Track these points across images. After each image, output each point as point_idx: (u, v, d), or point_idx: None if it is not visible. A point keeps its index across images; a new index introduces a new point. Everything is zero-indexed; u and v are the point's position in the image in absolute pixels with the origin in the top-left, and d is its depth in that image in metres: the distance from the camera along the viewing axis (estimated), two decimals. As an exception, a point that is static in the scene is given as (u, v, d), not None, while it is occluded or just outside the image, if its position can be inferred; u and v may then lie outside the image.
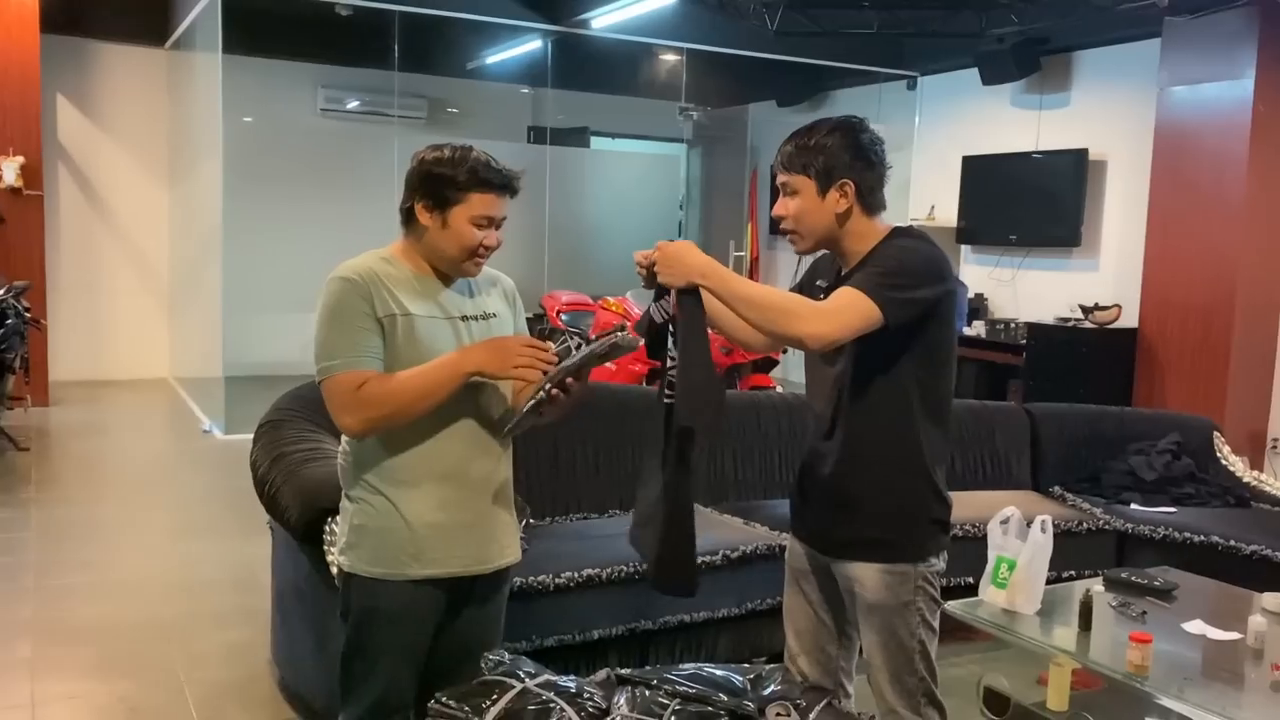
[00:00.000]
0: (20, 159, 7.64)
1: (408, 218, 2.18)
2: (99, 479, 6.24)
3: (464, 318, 2.20)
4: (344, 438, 2.21)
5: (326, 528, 2.77)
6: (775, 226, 2.26)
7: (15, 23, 7.57)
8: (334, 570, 2.65)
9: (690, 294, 2.07)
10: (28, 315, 6.63)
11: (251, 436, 3.44)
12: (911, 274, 2.08)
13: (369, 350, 2.09)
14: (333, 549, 2.72)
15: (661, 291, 2.13)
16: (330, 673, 2.83)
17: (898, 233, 2.21)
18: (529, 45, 9.16)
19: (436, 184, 2.12)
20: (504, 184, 2.15)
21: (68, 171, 8.95)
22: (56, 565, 4.58)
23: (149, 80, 9.18)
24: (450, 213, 2.13)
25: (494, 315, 2.26)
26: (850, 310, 2.02)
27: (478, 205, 2.13)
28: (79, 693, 3.39)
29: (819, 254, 2.36)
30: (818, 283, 2.31)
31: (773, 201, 2.26)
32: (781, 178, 2.19)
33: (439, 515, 2.16)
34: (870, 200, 2.18)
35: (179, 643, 3.77)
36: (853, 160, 2.14)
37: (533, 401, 2.08)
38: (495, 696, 2.02)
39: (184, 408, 8.25)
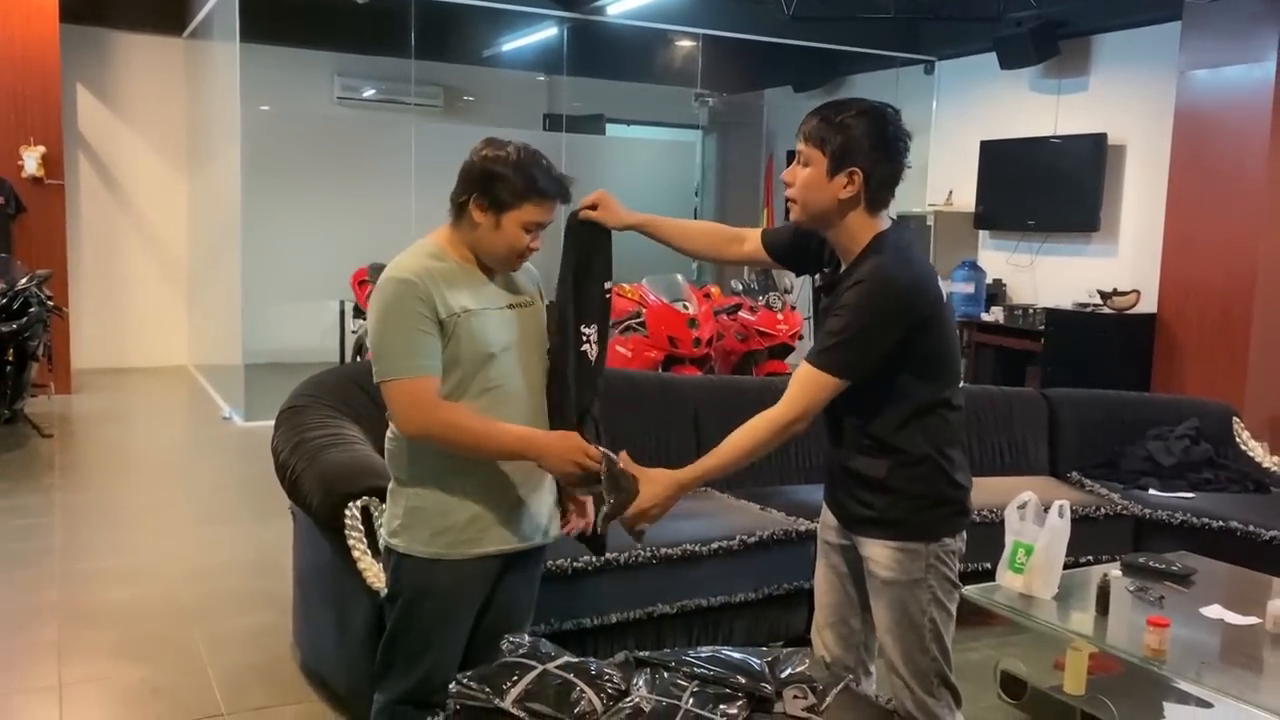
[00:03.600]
0: (41, 149, 7.69)
1: (460, 210, 2.20)
2: (121, 465, 6.31)
3: (511, 306, 2.27)
4: (395, 434, 2.26)
5: (348, 512, 2.80)
6: (790, 211, 2.27)
7: (35, 13, 7.61)
8: (356, 554, 2.69)
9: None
10: (50, 303, 6.69)
11: (271, 423, 3.48)
12: (870, 326, 2.09)
13: (428, 353, 2.13)
14: (354, 534, 2.75)
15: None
16: (351, 655, 2.88)
17: (878, 245, 2.15)
18: (545, 32, 9.16)
19: (496, 186, 2.15)
20: (560, 192, 2.21)
21: (87, 161, 9.01)
22: (81, 550, 4.64)
23: (167, 69, 9.22)
24: (505, 216, 2.16)
25: (532, 302, 2.34)
26: (815, 395, 2.13)
27: (532, 213, 2.18)
28: (105, 674, 3.44)
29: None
30: (822, 271, 2.31)
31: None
32: (799, 145, 2.18)
33: (491, 496, 2.24)
34: (877, 195, 2.15)
35: (202, 626, 3.82)
36: (871, 149, 2.11)
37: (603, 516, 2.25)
38: (516, 678, 2.04)
39: (204, 395, 8.32)
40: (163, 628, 3.81)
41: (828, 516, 2.42)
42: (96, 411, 7.63)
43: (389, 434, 2.29)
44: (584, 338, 2.34)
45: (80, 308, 8.45)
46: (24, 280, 6.37)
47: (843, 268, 2.23)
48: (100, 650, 3.61)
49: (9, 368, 6.24)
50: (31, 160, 7.64)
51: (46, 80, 7.73)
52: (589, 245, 2.38)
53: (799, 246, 2.39)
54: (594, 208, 2.37)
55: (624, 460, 2.19)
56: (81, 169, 8.93)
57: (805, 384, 2.14)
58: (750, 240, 2.48)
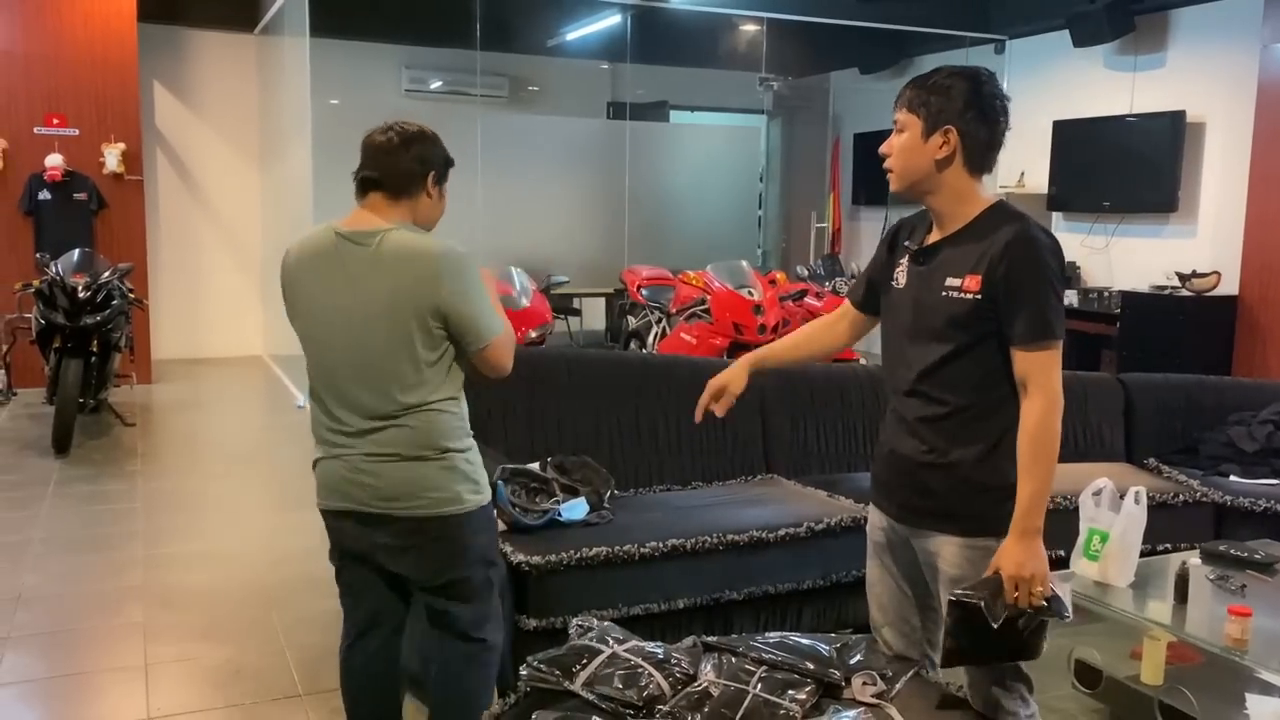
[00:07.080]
0: (121, 145, 7.93)
1: (414, 192, 2.34)
2: (201, 452, 6.48)
3: None
4: (449, 401, 2.37)
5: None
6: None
7: (114, 15, 7.83)
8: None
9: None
10: (131, 296, 6.88)
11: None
12: (1056, 281, 2.15)
13: None
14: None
15: None
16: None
17: (1004, 211, 2.15)
18: (608, 20, 9.16)
19: (442, 161, 2.37)
20: None
21: (165, 156, 9.25)
22: (164, 534, 4.79)
23: (240, 65, 9.43)
24: (444, 185, 2.41)
25: None
26: (1057, 366, 2.16)
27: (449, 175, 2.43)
28: (188, 655, 3.56)
29: (908, 216, 2.33)
30: (905, 243, 2.27)
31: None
32: (896, 115, 2.18)
33: None
34: (974, 155, 2.13)
35: (280, 609, 3.92)
36: (964, 109, 2.10)
37: None
38: (585, 661, 2.06)
39: (278, 383, 8.51)
40: (243, 611, 3.92)
41: (875, 515, 2.38)
42: (176, 400, 7.85)
43: (439, 408, 2.34)
44: None
45: (159, 300, 8.70)
46: (107, 274, 6.55)
47: (932, 236, 2.20)
48: (183, 632, 3.73)
49: (94, 359, 6.44)
50: (112, 157, 7.88)
51: (125, 79, 7.95)
52: None
53: (875, 282, 2.38)
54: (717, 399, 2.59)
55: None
56: (159, 165, 9.18)
57: (1045, 365, 2.13)
58: (845, 314, 2.49)
